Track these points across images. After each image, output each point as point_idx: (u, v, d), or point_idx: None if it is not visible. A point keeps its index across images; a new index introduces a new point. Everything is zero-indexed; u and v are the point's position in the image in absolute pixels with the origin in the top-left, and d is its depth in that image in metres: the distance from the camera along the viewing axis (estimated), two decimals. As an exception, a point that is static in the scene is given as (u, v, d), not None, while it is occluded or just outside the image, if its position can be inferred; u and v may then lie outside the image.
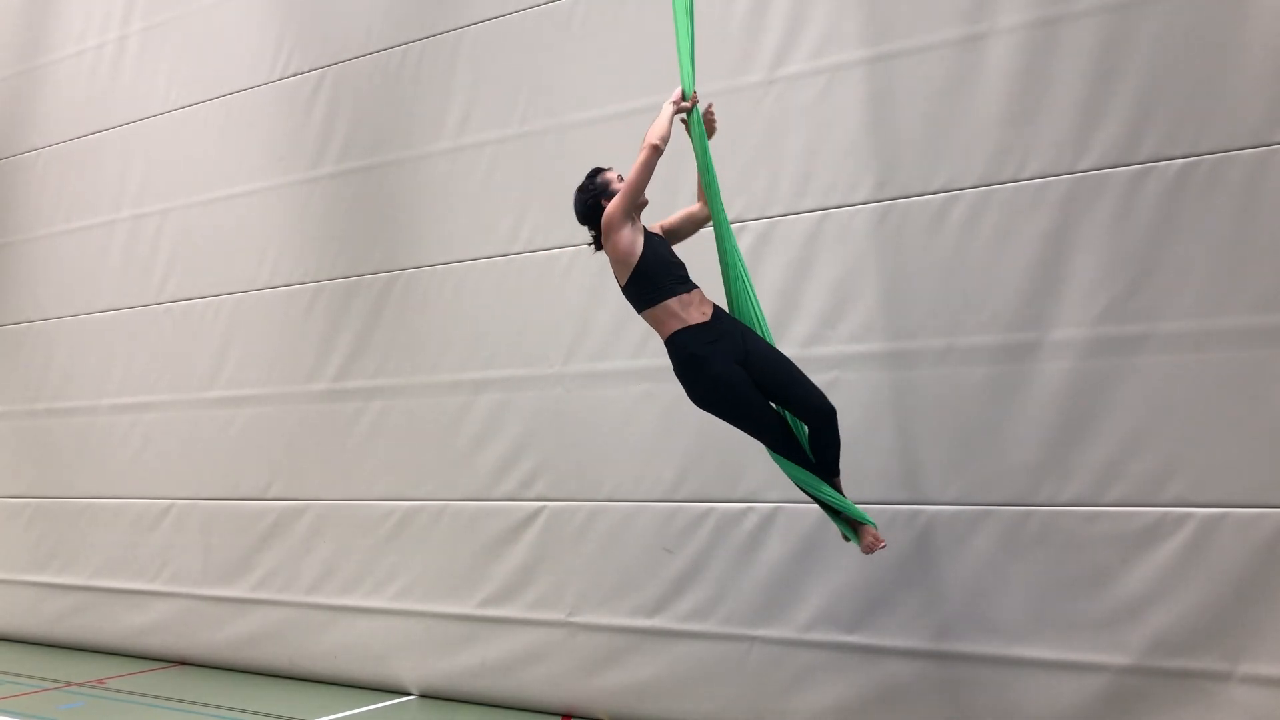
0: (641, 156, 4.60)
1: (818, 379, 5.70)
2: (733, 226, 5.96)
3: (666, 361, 6.21)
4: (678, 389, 5.62)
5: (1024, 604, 5.21)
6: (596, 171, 4.92)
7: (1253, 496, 4.73)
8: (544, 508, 6.68)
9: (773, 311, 5.87)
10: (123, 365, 8.77)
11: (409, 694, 7.21)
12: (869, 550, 4.70)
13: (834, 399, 5.59)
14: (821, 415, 4.61)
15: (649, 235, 4.76)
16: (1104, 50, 5.02)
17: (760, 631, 5.90)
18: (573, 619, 6.54)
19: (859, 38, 5.62)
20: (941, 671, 5.40)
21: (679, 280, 4.68)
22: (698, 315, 4.61)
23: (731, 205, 6.01)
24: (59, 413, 9.21)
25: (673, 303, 4.59)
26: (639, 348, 6.22)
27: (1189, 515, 4.87)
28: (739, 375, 4.55)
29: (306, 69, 7.70)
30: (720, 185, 5.56)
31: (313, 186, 7.69)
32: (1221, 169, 4.79)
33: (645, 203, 4.73)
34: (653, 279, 4.63)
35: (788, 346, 5.83)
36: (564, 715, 6.54)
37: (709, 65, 6.06)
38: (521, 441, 6.78)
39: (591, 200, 4.79)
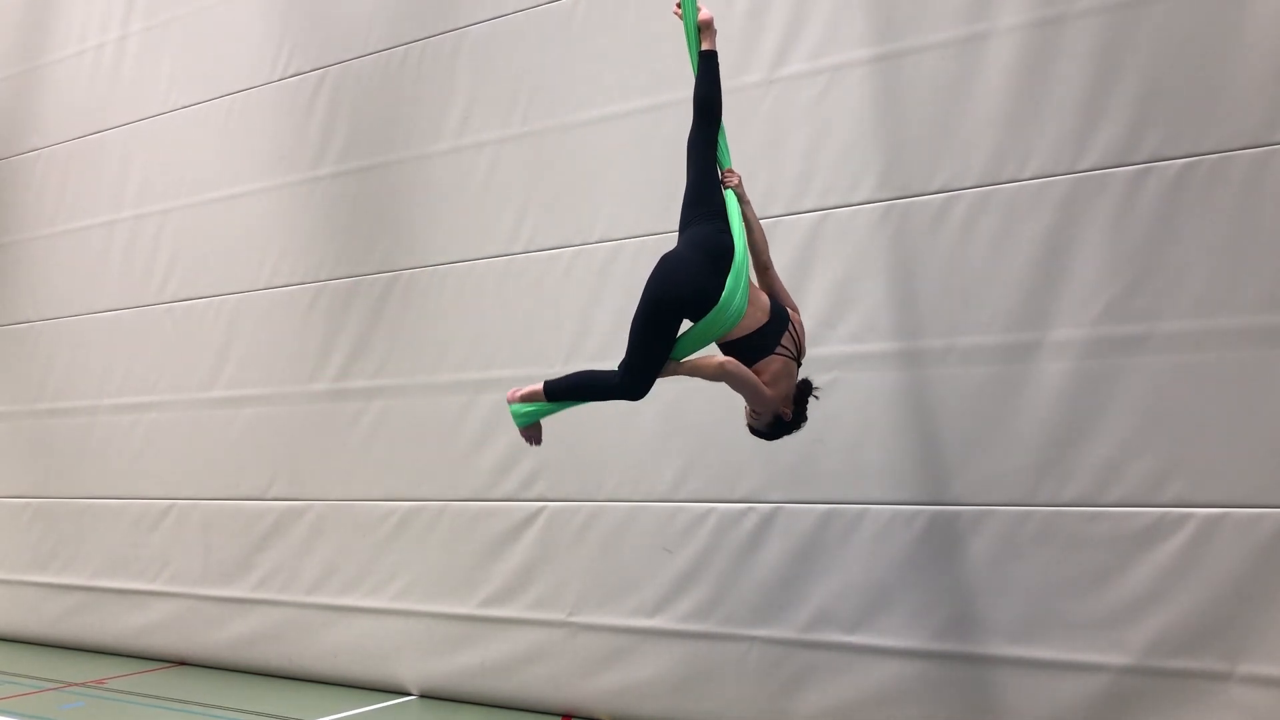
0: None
1: (817, 380, 5.71)
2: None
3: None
4: (678, 388, 5.62)
5: (1024, 604, 5.21)
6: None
7: (1253, 496, 4.73)
8: (544, 508, 6.68)
9: (773, 311, 5.89)
10: (123, 365, 8.76)
11: (409, 694, 7.21)
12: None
13: (834, 399, 5.61)
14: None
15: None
16: (1104, 50, 5.02)
17: (760, 631, 5.90)
18: (573, 619, 6.54)
19: (859, 38, 5.62)
20: (941, 671, 5.40)
21: None
22: None
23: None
24: (59, 413, 9.20)
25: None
26: (639, 348, 6.21)
27: (1189, 515, 4.87)
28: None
29: (306, 69, 7.70)
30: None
31: (313, 186, 7.69)
32: (1221, 169, 4.79)
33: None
34: None
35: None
36: (564, 715, 6.54)
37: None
38: (522, 442, 6.76)
39: None
